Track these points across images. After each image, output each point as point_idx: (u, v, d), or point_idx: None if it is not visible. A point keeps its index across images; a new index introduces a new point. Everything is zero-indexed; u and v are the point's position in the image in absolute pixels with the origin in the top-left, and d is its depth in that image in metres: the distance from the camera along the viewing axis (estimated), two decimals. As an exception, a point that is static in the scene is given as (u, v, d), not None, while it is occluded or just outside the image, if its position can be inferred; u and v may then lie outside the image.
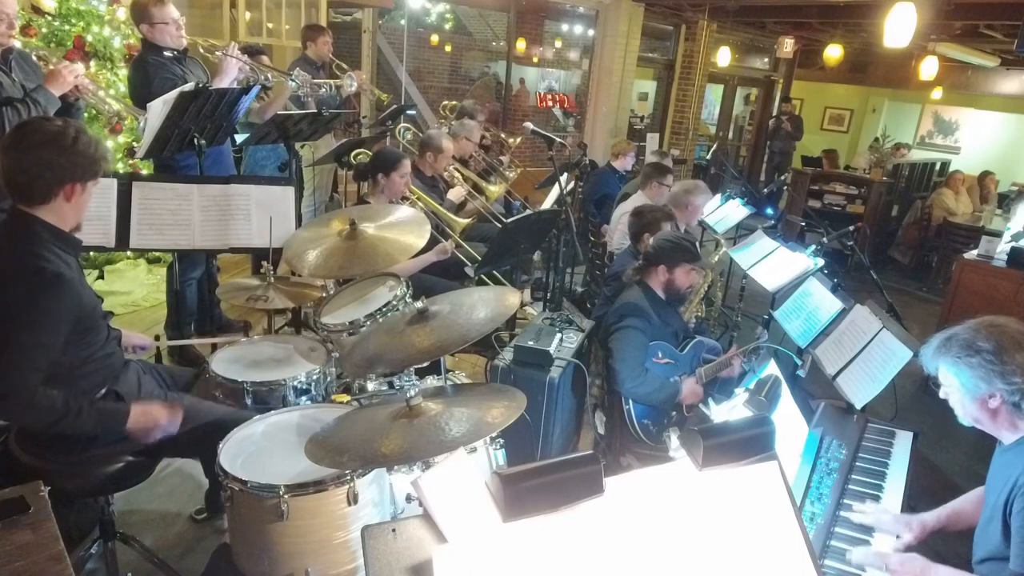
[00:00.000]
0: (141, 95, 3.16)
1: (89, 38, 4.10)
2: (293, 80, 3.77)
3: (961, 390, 1.67)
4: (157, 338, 3.34)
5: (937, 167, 9.03)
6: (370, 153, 4.03)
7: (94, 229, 2.73)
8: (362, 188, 4.28)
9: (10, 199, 1.81)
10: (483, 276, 3.77)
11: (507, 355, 2.69)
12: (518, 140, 6.15)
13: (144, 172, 3.91)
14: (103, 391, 1.98)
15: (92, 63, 4.13)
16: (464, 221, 3.91)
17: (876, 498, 2.00)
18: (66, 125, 1.80)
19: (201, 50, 3.48)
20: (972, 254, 4.74)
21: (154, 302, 4.25)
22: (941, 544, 1.73)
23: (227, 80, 3.32)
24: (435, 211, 3.80)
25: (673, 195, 4.00)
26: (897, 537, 1.85)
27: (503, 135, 6.22)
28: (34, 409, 1.75)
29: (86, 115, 3.17)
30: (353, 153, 4.17)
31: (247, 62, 3.44)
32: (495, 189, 4.76)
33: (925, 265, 7.89)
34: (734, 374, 2.81)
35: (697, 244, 3.01)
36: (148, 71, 3.23)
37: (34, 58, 2.86)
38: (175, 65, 3.34)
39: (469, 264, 3.61)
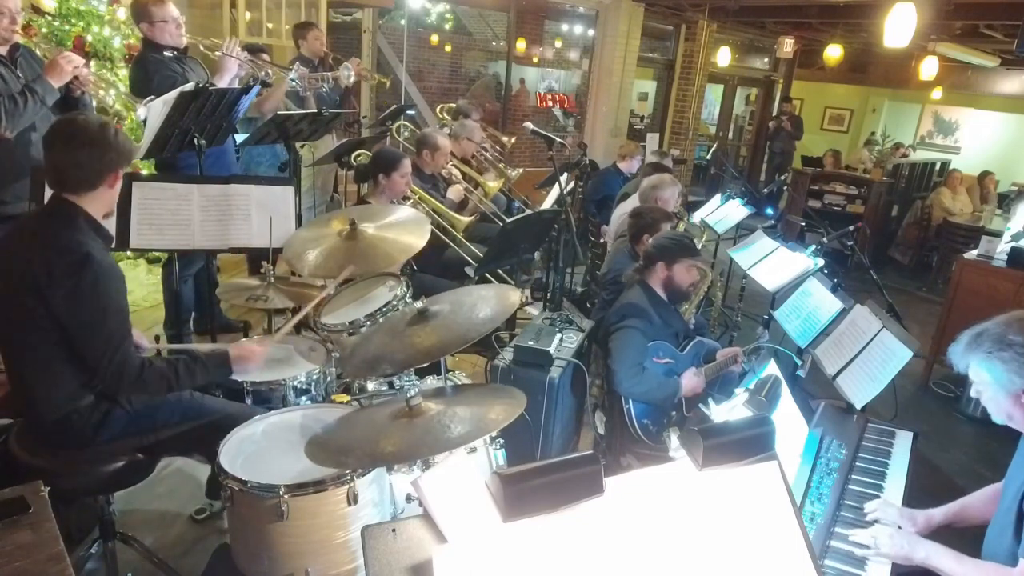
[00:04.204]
0: (142, 92, 3.16)
1: (89, 38, 4.09)
2: (292, 77, 3.77)
3: (994, 386, 1.62)
4: (157, 339, 3.35)
5: (937, 167, 9.03)
6: (370, 154, 4.03)
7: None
8: (362, 188, 4.28)
9: (56, 190, 1.91)
10: (484, 276, 3.77)
11: (507, 355, 2.69)
12: (513, 139, 6.14)
13: (144, 172, 3.91)
14: None
15: (92, 63, 4.13)
16: (466, 219, 3.91)
17: (876, 498, 2.00)
18: (103, 121, 1.97)
19: (202, 48, 3.48)
20: (972, 254, 4.74)
21: (154, 302, 4.25)
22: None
23: (227, 77, 3.32)
24: (437, 210, 3.80)
25: (641, 191, 4.00)
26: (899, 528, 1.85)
27: (498, 135, 6.21)
28: (143, 381, 1.90)
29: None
30: (354, 154, 4.17)
31: (247, 59, 3.44)
32: (493, 185, 4.76)
33: (925, 265, 7.90)
34: (736, 371, 2.81)
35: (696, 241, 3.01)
36: (148, 68, 3.23)
37: (39, 53, 2.86)
38: (175, 64, 3.34)
39: (470, 264, 3.61)
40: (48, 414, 1.91)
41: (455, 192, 4.27)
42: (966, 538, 1.82)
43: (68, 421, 1.92)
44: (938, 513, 1.92)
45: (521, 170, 5.49)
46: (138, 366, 1.90)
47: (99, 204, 1.95)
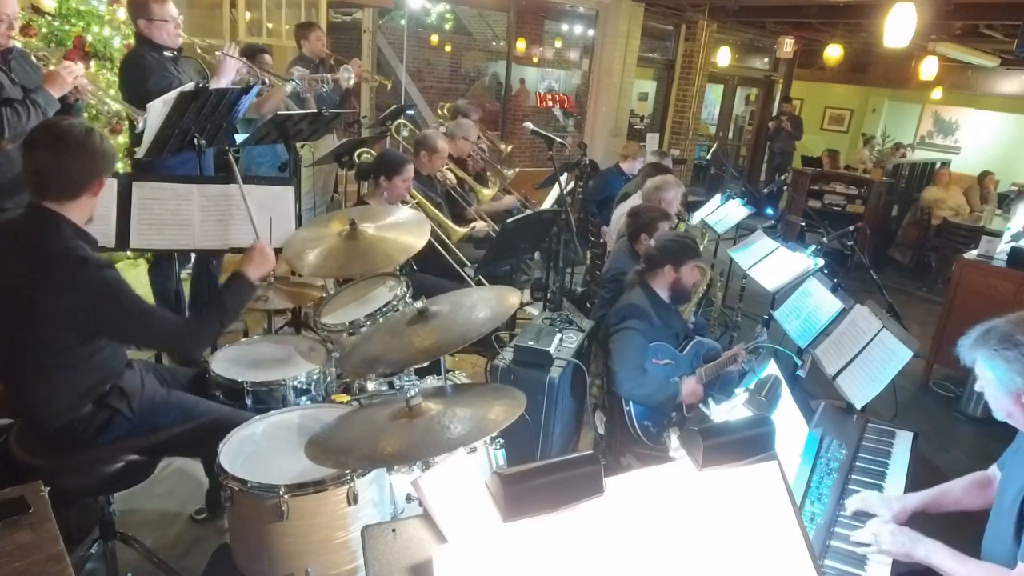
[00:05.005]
0: (137, 91, 3.14)
1: (89, 38, 4.08)
2: (292, 80, 3.76)
3: (996, 384, 1.62)
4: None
5: (937, 167, 9.03)
6: (373, 153, 4.03)
7: (94, 229, 2.68)
8: (362, 188, 4.28)
9: (35, 196, 1.88)
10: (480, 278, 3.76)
11: (507, 355, 2.69)
12: (510, 148, 6.14)
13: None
14: (108, 387, 1.99)
15: (92, 63, 4.12)
16: (462, 230, 3.91)
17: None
18: (88, 127, 1.93)
19: (199, 50, 3.47)
20: (972, 254, 4.74)
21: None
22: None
23: (225, 80, 3.31)
24: (433, 216, 3.79)
25: (644, 192, 4.00)
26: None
27: (496, 141, 6.20)
28: (197, 335, 2.04)
29: (86, 115, 3.16)
30: (357, 152, 4.17)
31: (245, 64, 3.43)
32: (488, 192, 4.77)
33: (925, 265, 7.90)
34: (736, 371, 2.81)
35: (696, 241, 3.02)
36: (145, 66, 3.21)
37: (34, 59, 2.85)
38: (171, 64, 3.33)
39: (468, 265, 3.60)
40: (48, 421, 1.91)
41: (481, 228, 4.27)
42: (966, 538, 1.82)
43: (70, 427, 1.92)
44: (914, 498, 1.91)
45: (517, 170, 5.49)
46: (189, 323, 2.08)
47: (80, 212, 1.91)
